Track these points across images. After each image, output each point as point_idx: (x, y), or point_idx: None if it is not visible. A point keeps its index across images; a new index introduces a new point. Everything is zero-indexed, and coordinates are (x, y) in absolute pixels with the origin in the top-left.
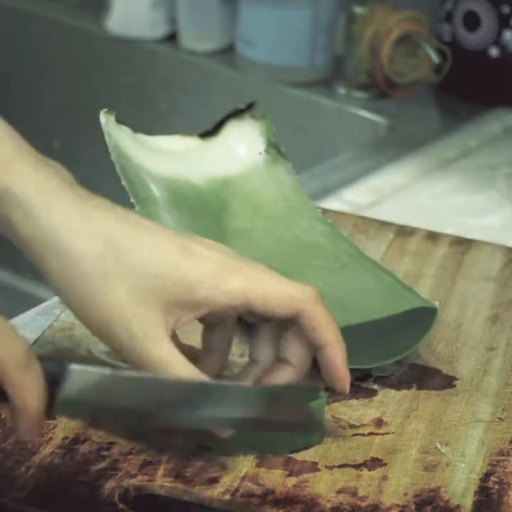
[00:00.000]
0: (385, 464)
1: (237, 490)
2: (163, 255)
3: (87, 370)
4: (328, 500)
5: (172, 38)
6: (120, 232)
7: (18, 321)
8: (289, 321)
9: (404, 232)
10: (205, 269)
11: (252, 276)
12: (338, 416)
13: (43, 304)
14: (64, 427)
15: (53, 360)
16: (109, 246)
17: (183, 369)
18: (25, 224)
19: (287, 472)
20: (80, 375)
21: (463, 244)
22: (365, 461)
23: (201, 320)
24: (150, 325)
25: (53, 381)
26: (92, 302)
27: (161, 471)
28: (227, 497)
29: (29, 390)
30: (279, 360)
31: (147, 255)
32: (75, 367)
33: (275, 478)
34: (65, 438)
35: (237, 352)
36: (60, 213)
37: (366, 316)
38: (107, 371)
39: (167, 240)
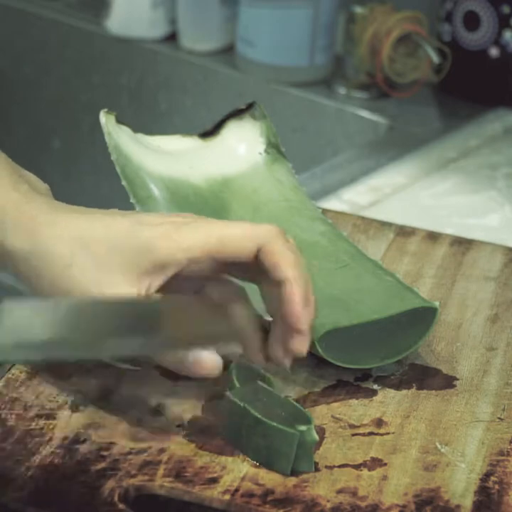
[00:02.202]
0: (385, 464)
1: (237, 490)
2: (118, 229)
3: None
4: (328, 500)
5: (172, 38)
6: (87, 227)
7: None
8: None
9: (404, 232)
10: (160, 232)
11: (206, 226)
12: (338, 416)
13: None
14: (64, 427)
15: None
16: (74, 241)
17: None
18: (3, 238)
19: None
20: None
21: (463, 244)
22: (365, 461)
23: (175, 285)
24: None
25: None
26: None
27: (161, 471)
28: (227, 497)
29: None
30: None
31: (104, 233)
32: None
33: (275, 478)
34: (65, 438)
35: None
36: (34, 227)
37: (366, 316)
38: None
39: (120, 217)
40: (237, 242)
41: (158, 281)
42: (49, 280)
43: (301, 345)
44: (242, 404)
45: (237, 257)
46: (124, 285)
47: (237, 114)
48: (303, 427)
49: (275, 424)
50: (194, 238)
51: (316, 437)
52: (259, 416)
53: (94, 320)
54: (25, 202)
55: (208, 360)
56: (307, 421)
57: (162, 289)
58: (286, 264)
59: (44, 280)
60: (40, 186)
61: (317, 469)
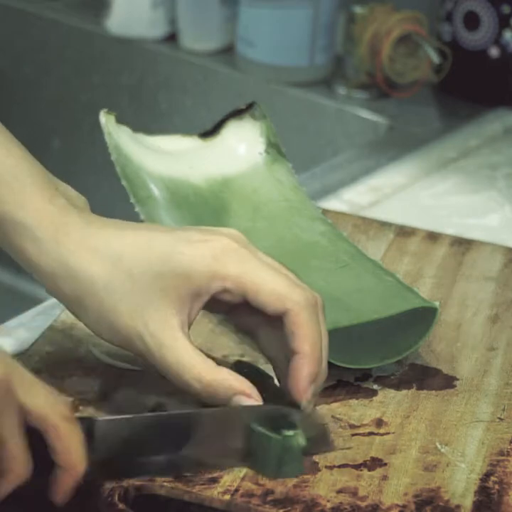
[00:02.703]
0: (385, 464)
1: (237, 490)
2: (159, 248)
3: (112, 419)
4: (328, 500)
5: (172, 38)
6: (123, 244)
7: (18, 321)
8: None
9: (404, 232)
10: (201, 254)
11: (250, 263)
12: (338, 416)
13: (43, 304)
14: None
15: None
16: (109, 260)
17: (203, 370)
18: (39, 255)
19: None
20: (105, 426)
21: (463, 244)
22: (365, 461)
23: (212, 309)
24: (163, 332)
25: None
26: (106, 321)
27: None
28: (227, 497)
29: (75, 445)
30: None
31: (145, 254)
32: (100, 418)
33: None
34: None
35: (237, 352)
36: (70, 244)
37: (366, 316)
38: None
39: (159, 234)
40: (269, 294)
41: (196, 307)
42: (87, 302)
43: (298, 401)
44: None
45: (264, 308)
46: (165, 311)
47: (237, 114)
48: (289, 432)
49: (260, 428)
50: (234, 272)
51: (303, 442)
52: (244, 419)
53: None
54: (61, 217)
55: None
56: (294, 426)
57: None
58: (304, 338)
59: (81, 301)
60: (77, 200)
61: (317, 469)
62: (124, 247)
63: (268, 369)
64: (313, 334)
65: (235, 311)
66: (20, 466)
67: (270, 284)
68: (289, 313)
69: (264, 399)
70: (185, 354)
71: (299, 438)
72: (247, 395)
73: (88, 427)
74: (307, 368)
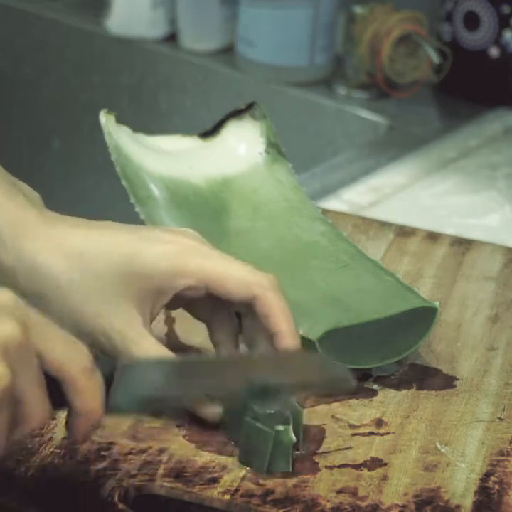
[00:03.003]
0: (385, 464)
1: (237, 490)
2: (123, 248)
3: (137, 365)
4: (328, 500)
5: (172, 38)
6: (86, 243)
7: None
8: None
9: (404, 232)
10: (164, 252)
11: (211, 258)
12: (338, 416)
13: None
14: (64, 427)
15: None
16: (72, 257)
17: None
18: (3, 253)
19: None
20: (132, 371)
21: (463, 244)
22: (365, 461)
23: (171, 306)
24: (128, 329)
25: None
26: (70, 318)
27: (161, 471)
28: (227, 497)
29: (93, 394)
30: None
31: (109, 253)
32: (127, 363)
33: (275, 479)
34: (65, 438)
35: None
36: (30, 240)
37: (366, 316)
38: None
39: (120, 233)
40: (235, 283)
41: (159, 305)
42: (49, 298)
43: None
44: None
45: (231, 298)
46: (129, 310)
47: (237, 114)
48: (280, 427)
49: (252, 420)
50: (196, 267)
51: (293, 438)
52: (238, 410)
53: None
54: (20, 213)
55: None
56: (287, 421)
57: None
58: (279, 317)
59: (43, 296)
60: (33, 196)
61: (317, 469)
62: (87, 245)
63: None
64: (285, 312)
65: (192, 304)
66: (38, 413)
67: (235, 273)
68: (258, 297)
69: None
70: (152, 347)
71: (290, 434)
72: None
73: (108, 369)
74: (290, 344)
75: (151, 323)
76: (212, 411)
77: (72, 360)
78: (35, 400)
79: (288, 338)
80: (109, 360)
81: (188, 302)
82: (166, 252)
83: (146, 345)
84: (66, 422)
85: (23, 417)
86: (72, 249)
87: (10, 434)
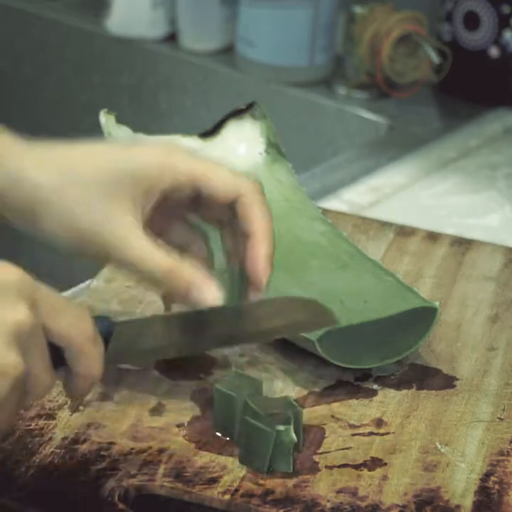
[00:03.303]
0: (385, 464)
1: (237, 490)
2: (109, 155)
3: (128, 322)
4: (328, 500)
5: (172, 38)
6: (73, 155)
7: None
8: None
9: (404, 232)
10: (151, 153)
11: (197, 158)
12: (338, 416)
13: None
14: (64, 427)
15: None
16: (58, 169)
17: (160, 261)
18: None
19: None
20: (123, 329)
21: (463, 244)
22: (365, 461)
23: (157, 218)
24: (122, 228)
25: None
26: (63, 225)
27: (161, 471)
28: (227, 497)
29: (95, 359)
30: None
31: (96, 162)
32: (118, 322)
33: (275, 479)
34: (64, 438)
35: (236, 351)
36: (15, 157)
37: (366, 316)
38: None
39: (112, 145)
40: (220, 182)
41: (149, 203)
42: (39, 213)
43: (253, 298)
44: (229, 393)
45: (216, 196)
46: (120, 211)
47: (237, 114)
48: (281, 427)
49: (252, 420)
50: (185, 164)
51: (294, 438)
52: (239, 410)
53: (191, 327)
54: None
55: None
56: (288, 421)
57: (150, 220)
58: (258, 220)
59: (33, 209)
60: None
61: (317, 469)
62: (71, 156)
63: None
64: (265, 216)
65: (173, 231)
66: (44, 383)
67: (220, 172)
68: (241, 197)
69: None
70: (147, 243)
71: (291, 434)
72: (207, 286)
73: (107, 327)
74: (264, 249)
75: (142, 225)
76: (213, 296)
77: (78, 329)
78: (42, 372)
79: (261, 242)
80: (107, 320)
81: (172, 210)
82: (153, 153)
83: (142, 240)
84: (64, 383)
85: (31, 388)
86: (56, 162)
87: (18, 407)
